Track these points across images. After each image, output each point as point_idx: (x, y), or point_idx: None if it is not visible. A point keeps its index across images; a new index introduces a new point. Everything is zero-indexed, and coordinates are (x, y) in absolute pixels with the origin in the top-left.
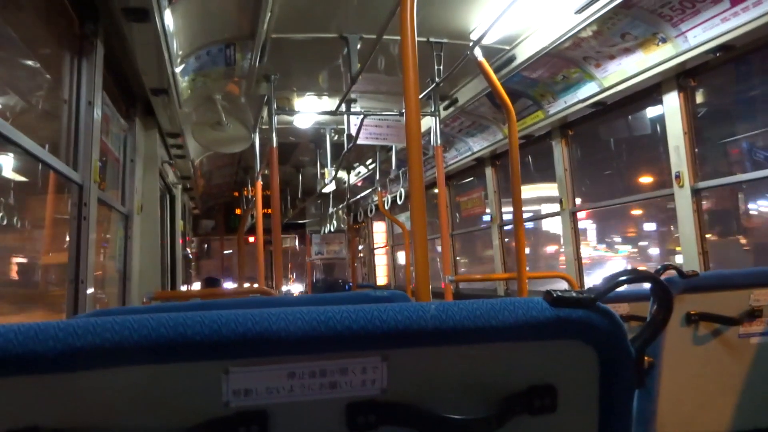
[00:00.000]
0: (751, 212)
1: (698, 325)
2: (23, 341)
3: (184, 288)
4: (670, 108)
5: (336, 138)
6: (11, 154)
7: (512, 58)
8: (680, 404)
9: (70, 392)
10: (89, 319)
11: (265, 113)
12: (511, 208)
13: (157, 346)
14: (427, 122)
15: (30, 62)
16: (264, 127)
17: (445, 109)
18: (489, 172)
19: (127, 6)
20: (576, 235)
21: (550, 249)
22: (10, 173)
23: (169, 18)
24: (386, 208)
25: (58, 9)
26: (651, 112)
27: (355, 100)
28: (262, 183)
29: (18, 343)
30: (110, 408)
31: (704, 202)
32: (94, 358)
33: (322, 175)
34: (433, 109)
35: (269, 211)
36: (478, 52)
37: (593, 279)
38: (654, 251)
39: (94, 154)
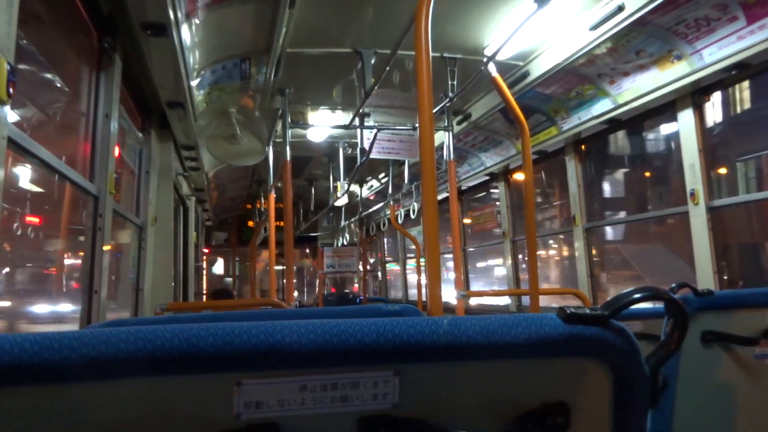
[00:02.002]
0: None
1: (713, 345)
2: (39, 351)
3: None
4: (685, 125)
5: (349, 152)
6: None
7: (526, 74)
8: (695, 424)
9: (83, 402)
10: (103, 329)
11: (279, 127)
12: None
13: (171, 357)
14: (440, 137)
15: (49, 75)
16: (278, 140)
17: (459, 123)
18: (502, 187)
19: (146, 21)
20: (589, 252)
21: None
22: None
23: (186, 33)
24: (399, 222)
25: (78, 23)
26: (665, 129)
27: (368, 115)
28: (275, 196)
29: (33, 353)
30: (122, 419)
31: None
32: (108, 369)
33: (335, 188)
34: (446, 124)
35: (282, 223)
36: (492, 68)
37: None
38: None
39: (110, 166)
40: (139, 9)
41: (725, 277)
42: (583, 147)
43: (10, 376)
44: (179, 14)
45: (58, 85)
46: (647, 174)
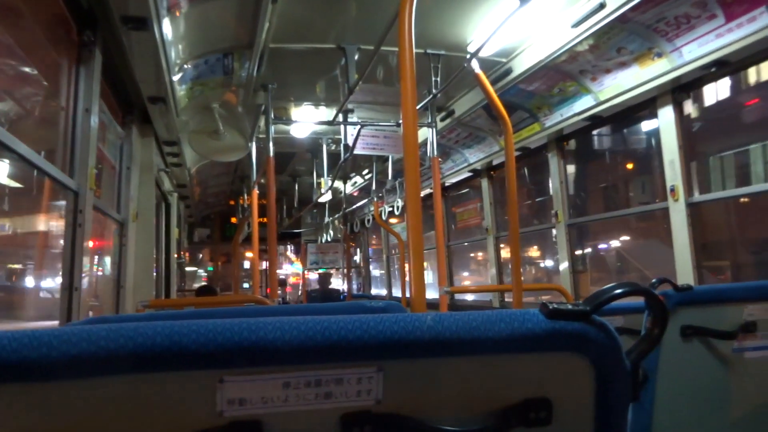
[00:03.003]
0: None
1: (693, 339)
2: (17, 348)
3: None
4: (665, 122)
5: (333, 148)
6: (7, 160)
7: (509, 71)
8: (675, 418)
9: (63, 401)
10: (83, 326)
11: (262, 122)
12: None
13: (152, 354)
14: (424, 133)
15: (28, 69)
16: (261, 136)
17: (442, 120)
18: (485, 183)
19: (126, 14)
20: (571, 248)
21: None
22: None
23: (167, 27)
24: (383, 218)
25: (57, 17)
26: (646, 125)
27: (352, 111)
28: (258, 192)
29: (11, 350)
30: (104, 417)
31: None
32: (89, 367)
33: (319, 184)
34: (430, 120)
35: (265, 220)
36: (475, 65)
37: None
38: None
39: (90, 162)
40: (119, 2)
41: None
42: (565, 143)
43: None
44: (160, 8)
45: (37, 79)
46: (628, 170)
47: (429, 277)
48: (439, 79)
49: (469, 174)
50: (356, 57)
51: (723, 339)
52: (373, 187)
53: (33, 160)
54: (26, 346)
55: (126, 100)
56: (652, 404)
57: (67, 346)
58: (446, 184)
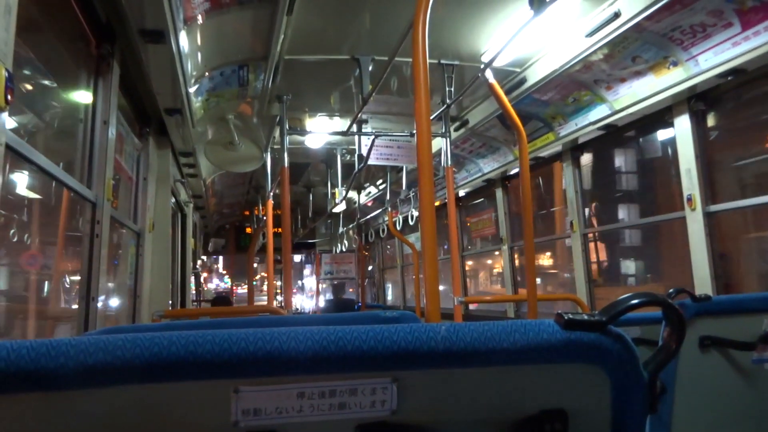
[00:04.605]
0: None
1: (711, 350)
2: (36, 358)
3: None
4: (682, 131)
5: (347, 158)
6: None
7: (523, 81)
8: (693, 430)
9: (80, 409)
10: (100, 336)
11: (277, 133)
12: None
13: (168, 364)
14: (438, 143)
15: (47, 82)
16: (276, 146)
17: (456, 130)
18: (499, 193)
19: (144, 28)
20: (587, 258)
21: None
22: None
23: (183, 39)
24: (397, 228)
25: (76, 31)
26: (662, 135)
27: (366, 121)
28: (273, 202)
29: (30, 360)
30: (119, 425)
31: None
32: (105, 376)
33: (333, 194)
34: (444, 131)
35: (280, 230)
36: (489, 74)
37: None
38: None
39: (108, 173)
40: (137, 16)
41: None
42: (580, 153)
43: (6, 383)
44: (177, 21)
45: (56, 92)
46: (644, 179)
47: (443, 287)
48: (453, 89)
49: (484, 183)
50: (370, 68)
51: (742, 350)
52: (387, 197)
53: (52, 172)
54: (44, 355)
55: (143, 112)
56: (671, 416)
57: (84, 355)
58: (460, 194)
